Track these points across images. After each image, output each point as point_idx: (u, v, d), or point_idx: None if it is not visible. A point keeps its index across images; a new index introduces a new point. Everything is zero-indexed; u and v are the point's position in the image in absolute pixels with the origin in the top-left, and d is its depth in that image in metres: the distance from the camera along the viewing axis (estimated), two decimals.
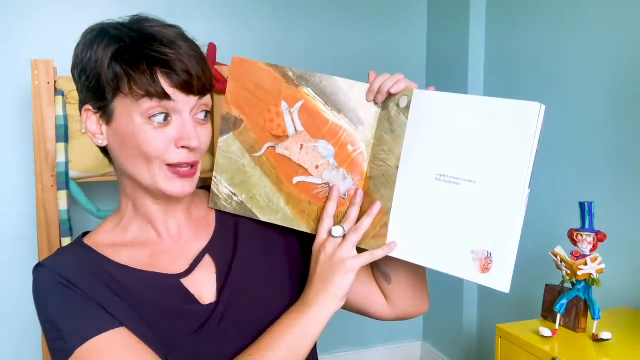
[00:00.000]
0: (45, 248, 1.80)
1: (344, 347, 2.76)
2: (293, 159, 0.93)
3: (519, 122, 0.78)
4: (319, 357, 1.01)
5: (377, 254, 0.87)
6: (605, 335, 1.42)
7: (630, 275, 1.77)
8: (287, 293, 0.93)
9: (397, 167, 0.87)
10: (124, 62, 0.77)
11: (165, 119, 0.79)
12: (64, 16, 2.24)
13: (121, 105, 0.79)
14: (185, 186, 0.83)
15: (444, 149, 0.84)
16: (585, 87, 1.95)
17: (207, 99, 0.84)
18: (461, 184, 0.82)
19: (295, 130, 0.93)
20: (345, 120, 0.91)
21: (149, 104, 0.77)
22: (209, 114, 0.86)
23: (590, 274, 1.45)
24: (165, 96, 0.77)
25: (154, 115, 0.78)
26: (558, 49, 2.08)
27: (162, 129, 0.79)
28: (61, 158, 1.81)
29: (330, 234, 0.89)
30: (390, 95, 0.88)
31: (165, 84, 0.77)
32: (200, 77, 0.80)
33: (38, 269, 0.81)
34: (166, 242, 0.89)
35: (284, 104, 0.92)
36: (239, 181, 0.95)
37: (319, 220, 0.92)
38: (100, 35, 0.80)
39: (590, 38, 1.94)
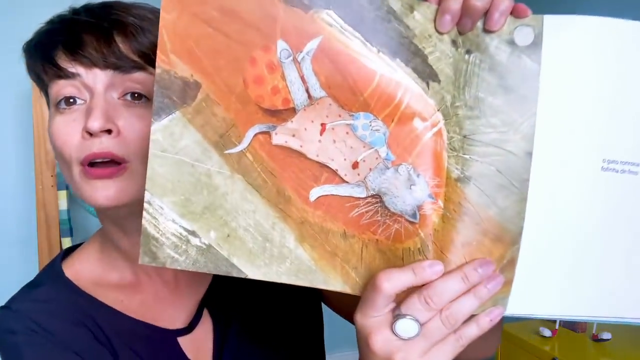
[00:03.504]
0: (45, 248, 1.69)
1: (344, 347, 2.43)
2: (308, 153, 0.43)
3: None
4: None
5: (470, 333, 0.42)
6: (605, 335, 1.31)
7: None
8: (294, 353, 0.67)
9: (530, 154, 0.41)
10: (29, 54, 0.57)
11: (74, 101, 0.54)
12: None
13: (49, 101, 0.57)
14: (108, 190, 0.53)
15: (617, 119, 0.40)
16: None
17: (138, 76, 0.54)
18: None
19: (309, 96, 0.42)
20: (405, 71, 0.42)
21: (55, 88, 0.54)
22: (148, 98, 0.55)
23: None
24: (63, 71, 0.53)
25: (61, 100, 0.54)
26: None
27: (69, 114, 0.54)
28: None
29: (392, 329, 0.41)
30: (487, 23, 0.41)
31: (63, 60, 0.53)
32: (113, 46, 0.53)
33: (5, 312, 0.57)
34: (158, 287, 0.63)
35: (282, 45, 0.41)
36: (200, 206, 0.43)
37: (367, 271, 0.43)
38: None
39: None
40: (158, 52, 0.41)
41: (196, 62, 0.41)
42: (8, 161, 2.02)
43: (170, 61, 0.41)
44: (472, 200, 0.42)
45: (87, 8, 0.56)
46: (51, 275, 0.63)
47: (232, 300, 0.65)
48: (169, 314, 0.63)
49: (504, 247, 0.42)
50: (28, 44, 0.58)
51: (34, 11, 1.95)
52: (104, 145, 0.52)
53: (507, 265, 0.42)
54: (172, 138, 0.42)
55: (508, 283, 0.42)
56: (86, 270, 0.63)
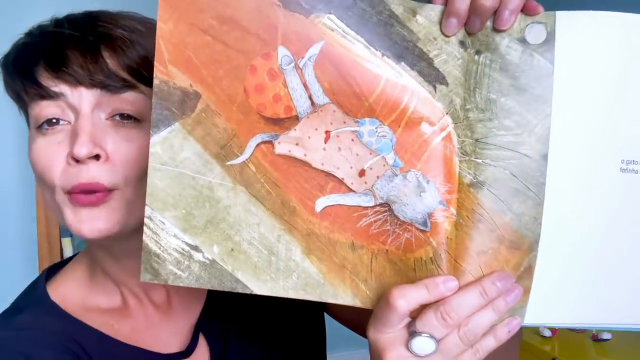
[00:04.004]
0: (45, 248, 1.65)
1: (344, 347, 2.39)
2: (312, 162, 0.41)
3: None
4: None
5: (487, 346, 0.40)
6: (605, 335, 1.29)
7: None
8: None
9: (546, 157, 0.39)
10: (7, 70, 0.52)
11: (57, 122, 0.49)
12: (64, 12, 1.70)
13: (29, 120, 0.52)
14: (96, 221, 0.48)
15: (635, 118, 0.38)
16: None
17: (127, 96, 0.49)
18: None
19: (312, 103, 0.40)
20: (411, 75, 0.40)
21: (36, 108, 0.49)
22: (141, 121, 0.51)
23: None
24: (45, 91, 0.48)
25: (43, 122, 0.49)
26: None
27: (52, 135, 0.49)
28: None
29: (407, 346, 0.39)
30: (497, 22, 0.39)
31: (45, 78, 0.48)
32: (100, 63, 0.48)
33: None
34: (150, 312, 0.59)
35: (283, 51, 0.40)
36: (202, 220, 0.41)
37: (378, 283, 0.41)
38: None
39: None
40: (155, 62, 0.40)
41: (195, 72, 0.40)
42: (8, 161, 1.98)
43: (169, 72, 0.40)
44: (487, 207, 0.40)
45: (70, 19, 0.51)
46: (35, 299, 0.58)
47: (227, 322, 0.61)
48: (162, 338, 0.59)
49: (520, 255, 0.39)
50: (5, 58, 0.52)
51: (35, 11, 2.02)
52: (91, 174, 0.47)
53: (525, 273, 0.39)
54: (172, 150, 0.40)
55: (526, 292, 0.39)
56: (73, 294, 0.59)
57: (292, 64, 0.40)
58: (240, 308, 0.63)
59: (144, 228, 0.41)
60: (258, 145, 0.41)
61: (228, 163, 0.41)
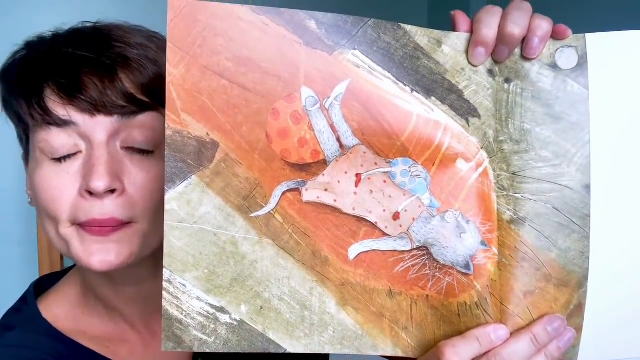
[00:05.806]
0: (45, 248, 1.57)
1: None
2: (343, 208, 0.38)
3: None
4: None
5: None
6: None
7: None
8: None
9: (588, 187, 0.37)
10: (8, 86, 0.47)
11: (68, 150, 0.44)
12: (65, 17, 1.66)
13: (31, 142, 0.47)
14: (107, 253, 0.44)
15: None
16: None
17: (146, 119, 0.45)
18: None
19: (340, 145, 0.37)
20: (442, 109, 0.38)
21: (42, 135, 0.45)
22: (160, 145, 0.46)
23: None
24: (53, 118, 0.43)
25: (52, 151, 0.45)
26: None
27: (62, 163, 0.44)
28: None
29: None
30: (526, 50, 0.37)
31: (54, 103, 0.43)
32: (119, 87, 0.44)
33: None
34: (147, 338, 0.54)
35: (307, 92, 0.36)
36: (227, 279, 0.37)
37: (420, 331, 0.38)
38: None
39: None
40: (167, 111, 0.36)
41: (211, 119, 0.36)
42: (8, 161, 1.87)
43: (182, 120, 0.36)
44: (530, 244, 0.37)
45: (77, 35, 0.46)
46: (26, 316, 0.53)
47: None
48: None
49: (570, 292, 0.37)
50: (5, 72, 0.47)
51: (35, 10, 1.89)
52: (107, 209, 0.43)
53: (575, 311, 0.37)
54: (190, 206, 0.36)
55: (577, 330, 0.37)
56: (65, 314, 0.55)
57: (318, 105, 0.36)
58: None
59: (163, 292, 0.37)
60: (284, 193, 0.37)
61: (252, 215, 0.37)
